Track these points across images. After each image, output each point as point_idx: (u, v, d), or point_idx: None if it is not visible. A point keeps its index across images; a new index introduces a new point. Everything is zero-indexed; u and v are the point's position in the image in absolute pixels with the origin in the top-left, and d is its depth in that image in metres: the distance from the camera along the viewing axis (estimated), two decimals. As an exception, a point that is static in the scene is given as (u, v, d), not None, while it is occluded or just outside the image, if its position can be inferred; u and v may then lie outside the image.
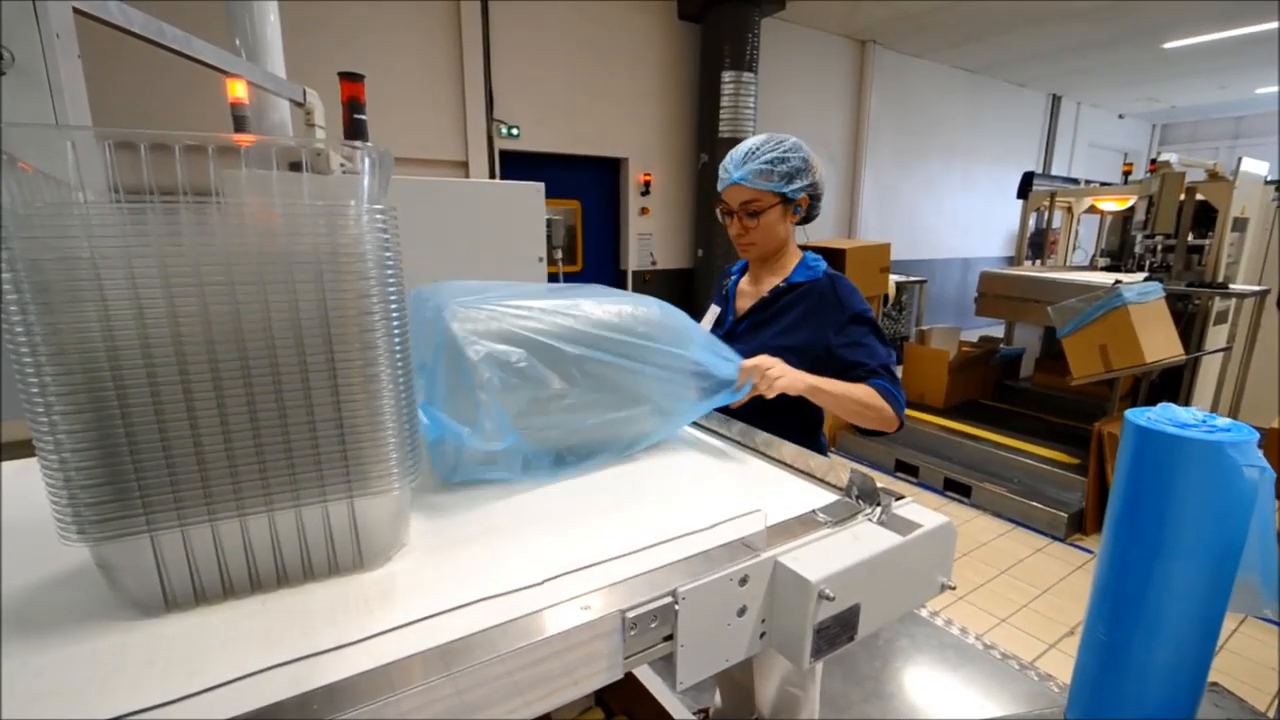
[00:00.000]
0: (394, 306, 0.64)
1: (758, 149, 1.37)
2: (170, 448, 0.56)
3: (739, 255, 1.55)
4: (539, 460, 0.89)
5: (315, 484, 0.62)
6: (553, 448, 0.90)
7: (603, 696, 1.58)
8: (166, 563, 0.58)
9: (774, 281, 1.48)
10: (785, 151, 1.36)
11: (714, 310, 1.59)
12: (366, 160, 0.62)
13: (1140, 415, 1.05)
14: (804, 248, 1.55)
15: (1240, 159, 4.00)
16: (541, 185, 1.90)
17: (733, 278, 1.61)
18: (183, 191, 0.54)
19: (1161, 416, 1.05)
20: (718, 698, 1.93)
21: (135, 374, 0.54)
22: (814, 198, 1.45)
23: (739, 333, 1.51)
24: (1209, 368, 4.23)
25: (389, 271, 0.63)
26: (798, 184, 1.38)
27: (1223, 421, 1.00)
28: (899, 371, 5.20)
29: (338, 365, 0.60)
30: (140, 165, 0.54)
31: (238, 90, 1.76)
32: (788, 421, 1.32)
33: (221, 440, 0.57)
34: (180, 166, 0.54)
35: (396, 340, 0.65)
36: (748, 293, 1.54)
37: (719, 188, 1.45)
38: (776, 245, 1.46)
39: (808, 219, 1.51)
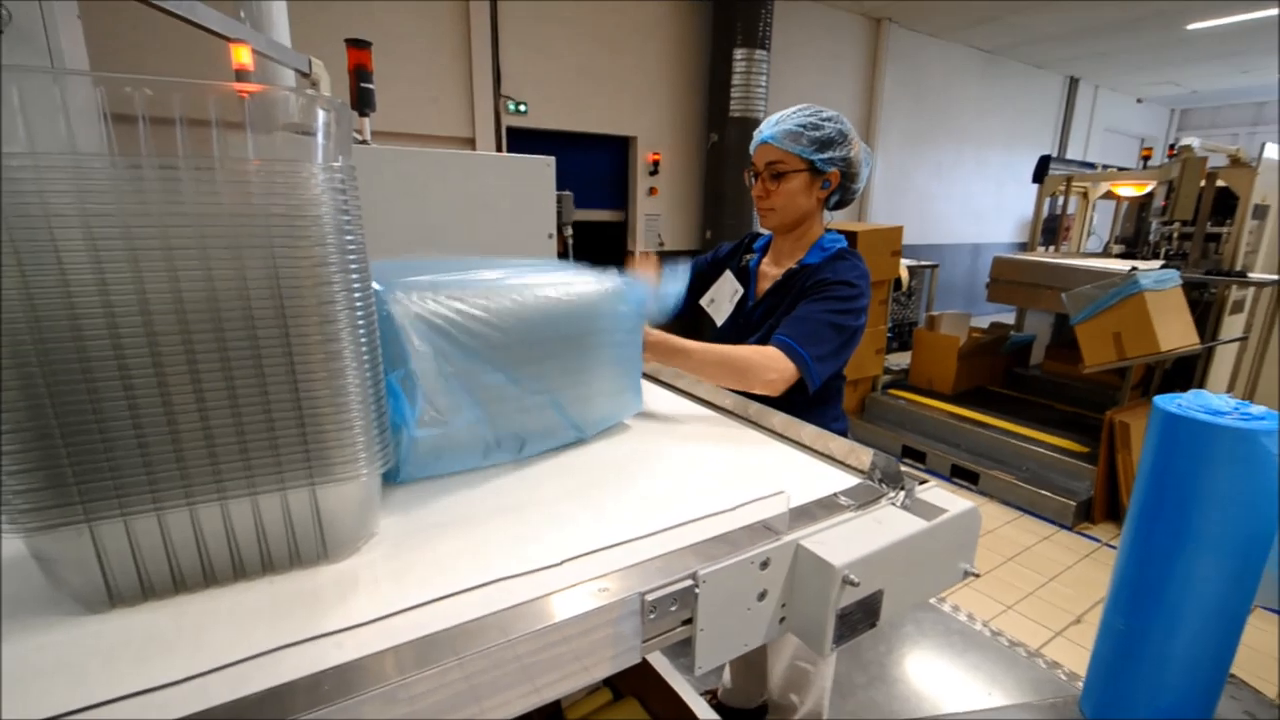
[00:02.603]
0: (355, 276, 0.58)
1: (794, 113, 1.34)
2: (108, 431, 0.51)
3: (758, 228, 1.51)
4: (499, 444, 0.84)
5: (272, 470, 0.57)
6: (505, 431, 0.85)
7: (611, 678, 1.57)
8: (108, 555, 0.54)
9: (791, 264, 1.44)
10: (821, 119, 1.33)
11: (736, 289, 1.53)
12: (321, 114, 0.56)
13: (1170, 401, 1.02)
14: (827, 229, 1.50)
15: (1264, 145, 3.92)
16: (552, 159, 1.85)
17: (755, 255, 1.56)
18: (111, 150, 0.48)
19: (1193, 403, 1.01)
20: (726, 677, 1.93)
21: (64, 350, 0.49)
22: (846, 175, 1.39)
23: (755, 318, 1.46)
24: (1223, 357, 4.18)
25: (348, 237, 0.57)
26: (829, 154, 1.33)
27: (1257, 409, 0.97)
28: (907, 358, 5.18)
29: (293, 339, 0.55)
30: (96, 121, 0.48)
31: (242, 56, 1.71)
32: (793, 400, 1.25)
33: (165, 423, 0.53)
34: (143, 127, 0.48)
35: (359, 312, 0.59)
36: (768, 274, 1.50)
37: (750, 149, 1.41)
38: (797, 216, 1.41)
39: (841, 203, 1.45)
